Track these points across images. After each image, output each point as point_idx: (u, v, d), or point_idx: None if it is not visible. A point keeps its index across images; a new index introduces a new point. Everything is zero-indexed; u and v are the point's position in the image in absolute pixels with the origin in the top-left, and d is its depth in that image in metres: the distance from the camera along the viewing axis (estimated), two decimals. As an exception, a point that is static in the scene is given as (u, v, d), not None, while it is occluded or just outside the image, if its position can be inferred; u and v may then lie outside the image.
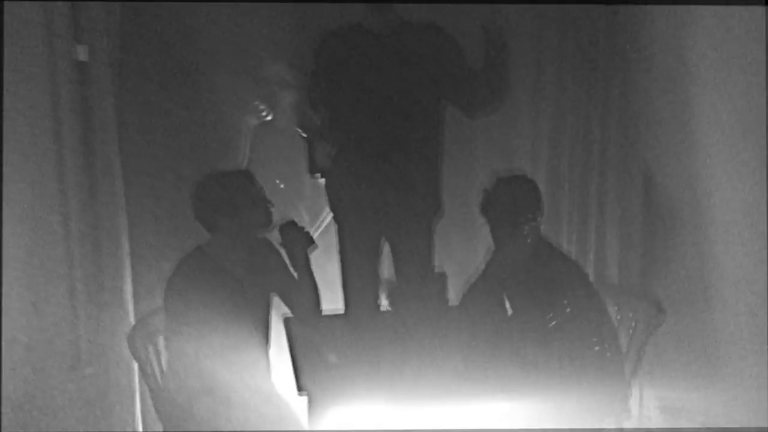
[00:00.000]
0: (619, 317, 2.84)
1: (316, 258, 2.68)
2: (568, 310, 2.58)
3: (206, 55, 3.19)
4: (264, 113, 3.32)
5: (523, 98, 3.42)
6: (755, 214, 2.82)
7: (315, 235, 2.90)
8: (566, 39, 3.36)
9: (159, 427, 2.63)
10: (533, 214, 2.70)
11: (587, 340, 2.57)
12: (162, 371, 2.63)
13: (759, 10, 2.70)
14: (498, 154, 3.47)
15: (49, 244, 2.74)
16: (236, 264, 2.58)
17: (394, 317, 2.71)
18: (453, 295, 2.85)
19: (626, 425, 2.69)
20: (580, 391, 2.50)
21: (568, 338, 2.56)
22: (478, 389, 2.43)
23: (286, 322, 2.77)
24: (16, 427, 2.69)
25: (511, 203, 2.67)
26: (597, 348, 2.58)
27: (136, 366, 2.87)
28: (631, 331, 2.78)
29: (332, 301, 2.79)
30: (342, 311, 2.72)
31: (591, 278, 3.09)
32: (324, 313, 2.71)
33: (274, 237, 2.67)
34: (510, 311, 2.78)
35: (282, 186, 3.32)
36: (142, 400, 2.98)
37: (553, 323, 2.55)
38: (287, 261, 2.67)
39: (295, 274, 2.66)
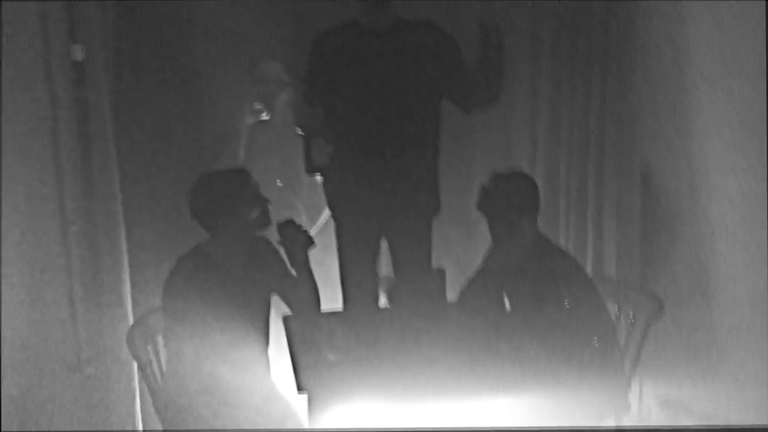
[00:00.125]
0: (618, 313, 2.84)
1: (314, 256, 2.68)
2: (566, 306, 2.58)
3: (202, 54, 3.19)
4: (261, 112, 3.31)
5: (520, 95, 3.42)
6: (754, 209, 2.82)
7: (313, 234, 2.90)
8: (563, 35, 3.36)
9: (159, 426, 2.63)
10: (531, 211, 2.70)
11: (586, 336, 2.57)
12: (161, 371, 2.63)
13: (759, 5, 2.69)
14: (496, 150, 3.47)
15: (47, 243, 2.74)
16: (235, 263, 2.58)
17: (393, 314, 2.71)
18: (452, 292, 2.85)
19: (626, 421, 2.69)
20: (580, 387, 2.50)
21: (567, 334, 2.56)
22: (477, 386, 2.42)
23: (286, 320, 2.77)
24: (15, 427, 2.69)
25: (508, 200, 2.67)
26: (596, 344, 2.58)
27: (135, 366, 2.87)
28: (630, 327, 2.78)
29: (331, 299, 2.79)
30: (341, 309, 2.72)
31: (589, 274, 3.09)
32: (323, 311, 2.71)
33: (273, 236, 2.66)
34: (508, 307, 2.78)
35: (281, 185, 3.32)
36: (142, 399, 2.97)
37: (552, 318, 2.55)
38: (286, 260, 2.67)
39: (294, 273, 2.66)
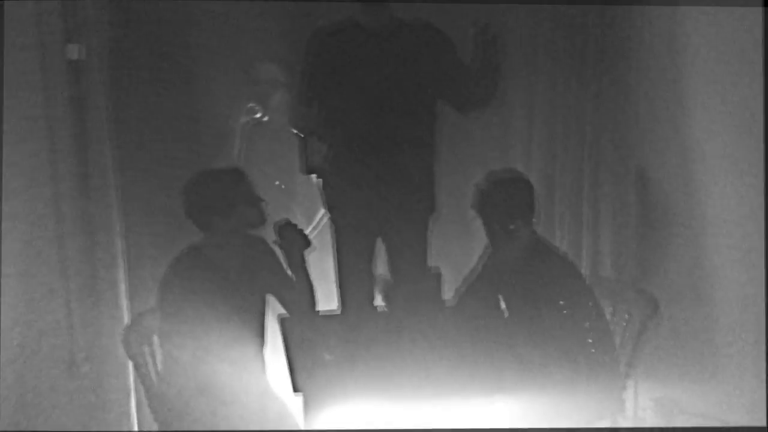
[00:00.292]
0: (613, 314, 2.84)
1: (310, 257, 2.68)
2: (562, 306, 2.58)
3: (199, 54, 3.19)
4: (257, 113, 3.31)
5: (516, 97, 3.42)
6: (750, 211, 2.83)
7: (311, 236, 2.90)
8: (560, 37, 3.36)
9: (154, 426, 2.63)
10: (527, 212, 2.70)
11: (582, 337, 2.58)
12: (157, 370, 2.63)
13: (756, 10, 2.70)
14: (492, 151, 3.47)
15: (44, 243, 2.73)
16: (230, 263, 2.57)
17: (389, 316, 2.71)
18: (448, 294, 2.85)
19: (621, 423, 2.70)
20: (575, 387, 2.50)
21: (563, 335, 2.56)
22: (472, 387, 2.43)
23: (282, 321, 2.77)
24: (11, 427, 2.69)
25: (505, 202, 2.67)
26: (592, 346, 2.58)
27: (131, 365, 2.87)
28: (625, 328, 2.78)
29: (327, 300, 2.79)
30: (337, 310, 2.72)
31: (585, 275, 3.09)
32: (319, 312, 2.71)
33: (269, 236, 2.66)
34: (504, 308, 2.78)
35: (283, 186, 3.32)
36: (138, 399, 2.97)
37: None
38: (283, 261, 2.67)
39: (291, 275, 2.66)
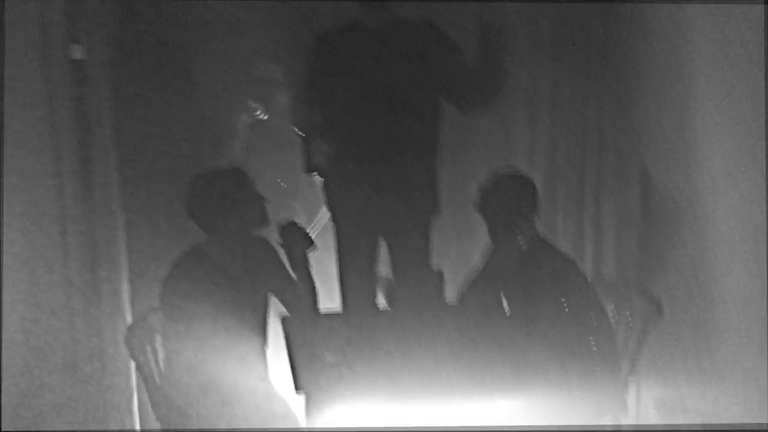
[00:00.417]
0: (616, 315, 2.84)
1: (312, 257, 2.68)
2: (564, 307, 2.58)
3: (200, 54, 3.19)
4: (258, 112, 3.32)
5: (519, 96, 3.42)
6: (753, 212, 2.82)
7: (313, 235, 2.90)
8: (563, 37, 3.36)
9: (156, 426, 2.63)
10: (530, 212, 2.71)
11: (584, 338, 2.58)
12: (159, 370, 2.63)
13: (758, 8, 2.69)
14: (495, 151, 3.47)
15: (46, 242, 2.73)
16: (233, 263, 2.58)
17: (391, 316, 2.71)
18: (450, 294, 2.85)
19: (623, 422, 2.70)
20: (578, 388, 2.50)
21: (565, 336, 2.56)
22: (475, 386, 2.43)
23: (284, 321, 2.77)
24: (13, 427, 2.69)
25: (508, 201, 2.68)
26: (594, 346, 2.58)
27: (133, 365, 2.87)
28: (628, 329, 2.78)
29: (329, 300, 2.79)
30: (339, 310, 2.72)
31: (587, 275, 3.09)
32: (321, 311, 2.71)
33: (274, 237, 2.67)
34: (507, 309, 2.78)
35: (284, 185, 3.32)
36: (140, 399, 2.97)
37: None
38: (286, 261, 2.67)
39: (294, 275, 2.66)
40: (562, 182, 3.45)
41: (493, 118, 3.33)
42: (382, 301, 2.80)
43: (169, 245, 2.82)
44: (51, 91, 2.70)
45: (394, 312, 2.74)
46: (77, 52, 2.78)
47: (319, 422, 2.36)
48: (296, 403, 2.49)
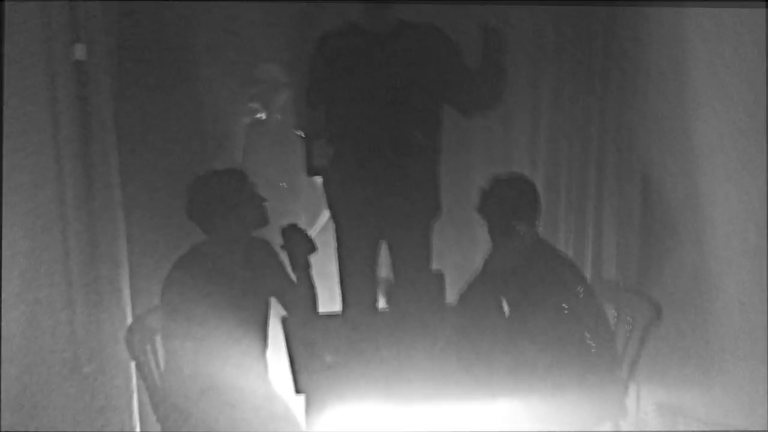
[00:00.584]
0: (616, 317, 2.84)
1: (313, 258, 2.68)
2: (565, 310, 2.58)
3: (203, 55, 3.19)
4: (257, 111, 3.32)
5: (520, 99, 3.42)
6: (754, 215, 2.82)
7: (313, 236, 2.90)
8: (564, 38, 3.36)
9: (157, 426, 2.63)
10: (531, 214, 2.71)
11: (584, 340, 2.58)
12: (159, 370, 2.63)
13: (759, 11, 2.69)
14: (496, 154, 3.47)
15: (47, 242, 2.73)
16: (233, 263, 2.58)
17: (391, 317, 2.71)
18: (451, 296, 2.85)
19: (623, 426, 2.70)
20: (577, 391, 2.50)
21: (565, 338, 2.56)
22: (474, 389, 2.43)
23: (284, 321, 2.77)
24: (13, 427, 2.69)
25: (508, 203, 2.68)
26: (594, 348, 2.58)
27: (133, 365, 2.87)
28: (628, 332, 2.78)
29: (330, 301, 2.78)
30: (339, 311, 2.72)
31: (588, 278, 3.09)
32: (321, 313, 2.71)
33: (273, 238, 2.67)
34: (507, 311, 2.78)
35: (285, 186, 3.32)
36: (140, 399, 2.97)
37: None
38: (286, 263, 2.67)
39: (294, 277, 2.66)
40: (562, 184, 3.45)
41: (494, 119, 3.33)
42: (382, 303, 2.79)
43: (169, 245, 2.82)
44: (53, 91, 2.70)
45: (394, 313, 2.73)
46: (79, 52, 2.78)
47: (319, 424, 2.35)
48: (296, 404, 2.49)
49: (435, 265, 2.72)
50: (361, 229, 2.63)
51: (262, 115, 3.33)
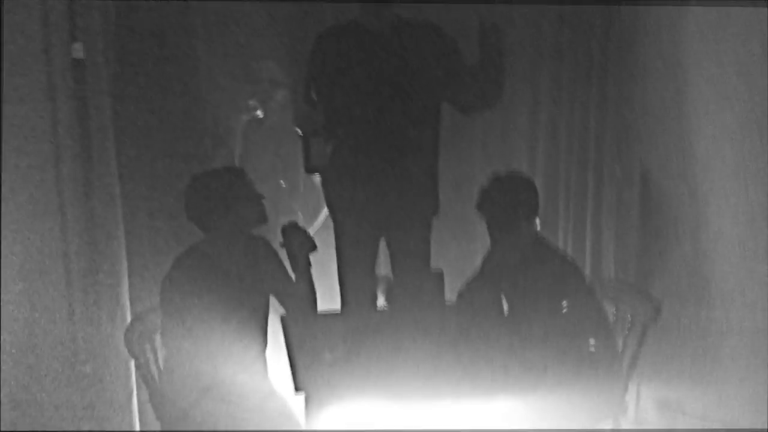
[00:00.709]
0: (615, 316, 2.84)
1: (312, 256, 2.68)
2: (564, 308, 2.58)
3: (201, 53, 3.19)
4: (255, 109, 3.32)
5: (520, 97, 3.42)
6: (753, 213, 2.82)
7: (312, 234, 2.90)
8: (563, 37, 3.36)
9: (157, 425, 2.63)
10: (530, 213, 2.70)
11: (583, 338, 2.58)
12: (159, 369, 2.63)
13: (760, 10, 2.69)
14: (495, 152, 3.47)
15: (46, 241, 2.74)
16: (232, 262, 2.58)
17: (390, 316, 2.71)
18: (450, 294, 2.85)
19: (623, 424, 2.69)
20: (577, 389, 2.50)
21: (565, 336, 2.56)
22: (474, 387, 2.42)
23: (284, 320, 2.77)
24: (13, 426, 2.69)
25: (508, 201, 2.67)
26: (593, 346, 2.58)
27: (133, 364, 2.87)
28: (627, 330, 2.78)
29: (329, 299, 2.78)
30: (339, 309, 2.72)
31: (587, 276, 3.09)
32: (321, 311, 2.71)
33: (272, 236, 2.66)
34: (506, 309, 2.78)
35: (284, 184, 3.33)
36: (140, 398, 2.97)
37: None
38: (286, 262, 2.66)
39: (293, 276, 2.66)
40: (562, 183, 3.45)
41: (493, 118, 3.33)
42: (381, 301, 2.79)
43: (169, 245, 2.82)
44: (51, 90, 2.70)
45: (393, 311, 2.73)
46: (78, 51, 2.78)
47: (319, 422, 2.35)
48: (295, 402, 2.49)
49: (434, 264, 2.72)
50: (360, 227, 2.63)
51: (261, 113, 3.33)
